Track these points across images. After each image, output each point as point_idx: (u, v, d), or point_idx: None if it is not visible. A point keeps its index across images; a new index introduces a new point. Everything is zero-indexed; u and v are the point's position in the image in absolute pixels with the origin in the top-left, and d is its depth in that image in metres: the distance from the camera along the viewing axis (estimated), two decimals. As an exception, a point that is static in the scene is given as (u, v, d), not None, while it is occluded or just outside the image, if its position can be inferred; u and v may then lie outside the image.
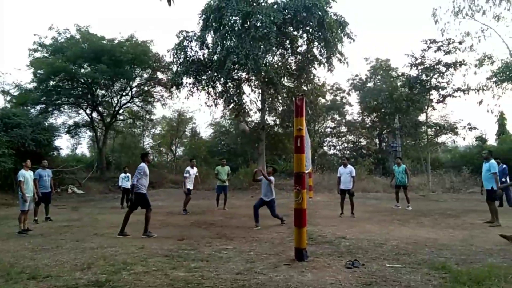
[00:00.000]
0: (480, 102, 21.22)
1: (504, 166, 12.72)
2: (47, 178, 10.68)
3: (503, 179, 12.08)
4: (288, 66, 23.21)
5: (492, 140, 28.70)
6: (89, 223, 10.01)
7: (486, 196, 9.16)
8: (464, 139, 23.51)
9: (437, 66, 20.57)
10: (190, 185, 12.40)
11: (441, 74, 20.70)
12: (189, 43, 21.14)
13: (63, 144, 53.71)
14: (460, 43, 20.66)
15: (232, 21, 20.04)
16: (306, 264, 5.29)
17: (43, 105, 23.91)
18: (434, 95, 21.52)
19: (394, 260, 5.51)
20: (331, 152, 33.05)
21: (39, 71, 22.77)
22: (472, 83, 22.79)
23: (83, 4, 71.16)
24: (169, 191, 20.01)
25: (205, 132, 36.93)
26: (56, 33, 23.94)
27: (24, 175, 8.67)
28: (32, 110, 22.99)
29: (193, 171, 12.65)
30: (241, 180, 21.36)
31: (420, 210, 12.02)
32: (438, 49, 20.41)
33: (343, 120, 32.32)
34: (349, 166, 11.13)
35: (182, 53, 21.01)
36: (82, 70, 23.39)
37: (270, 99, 23.38)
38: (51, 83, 23.36)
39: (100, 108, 26.56)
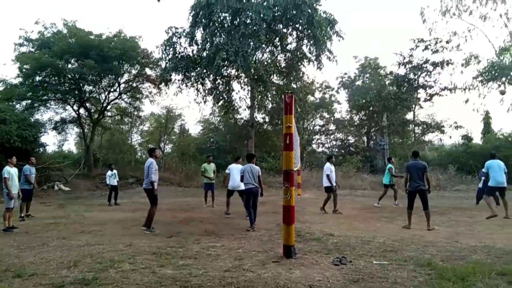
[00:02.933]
0: (466, 101, 21.63)
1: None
2: (33, 175, 10.62)
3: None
4: (277, 64, 23.25)
5: (477, 139, 29.16)
6: (76, 221, 9.89)
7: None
8: (450, 137, 24.01)
9: (425, 65, 20.86)
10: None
11: (429, 73, 21.01)
12: (178, 39, 20.97)
13: (50, 140, 53.11)
14: (447, 42, 20.98)
15: (221, 18, 19.98)
16: (294, 261, 5.32)
17: (29, 101, 23.44)
18: (422, 93, 21.89)
19: (381, 257, 5.58)
20: (320, 149, 33.28)
21: (25, 66, 22.32)
22: (459, 82, 23.16)
23: (70, -2, 70.10)
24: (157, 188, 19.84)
25: (194, 129, 36.90)
26: (42, 28, 23.49)
27: (9, 171, 8.53)
28: (17, 106, 22.53)
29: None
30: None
31: (406, 207, 12.12)
32: (426, 48, 20.69)
33: (332, 118, 32.53)
34: None
35: (171, 49, 20.85)
36: (69, 66, 23.00)
37: (260, 96, 23.39)
38: (37, 78, 22.90)
39: (87, 104, 26.18)
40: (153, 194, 8.20)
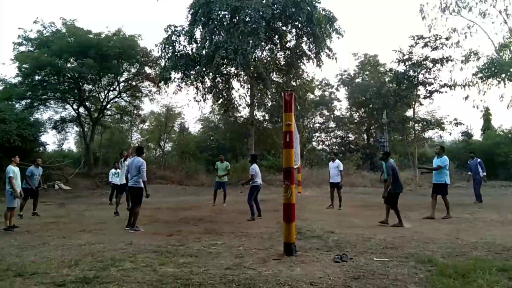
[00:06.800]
0: (466, 98, 21.53)
1: (479, 160, 13.28)
2: (38, 176, 10.69)
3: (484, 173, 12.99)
4: (277, 62, 23.23)
5: (477, 135, 29.17)
6: (76, 220, 9.90)
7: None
8: (450, 134, 23.90)
9: (424, 62, 20.77)
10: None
11: (428, 70, 20.91)
12: (178, 38, 20.97)
13: (49, 139, 53.01)
14: (447, 39, 20.90)
15: (220, 16, 19.95)
16: (295, 258, 5.32)
17: (29, 100, 23.43)
18: (421, 90, 21.76)
19: (382, 254, 5.57)
20: (320, 147, 33.29)
21: (24, 65, 22.27)
22: (458, 79, 23.03)
23: (69, -3, 69.96)
24: (156, 187, 19.85)
25: (194, 128, 36.62)
26: (41, 27, 23.44)
27: (14, 171, 8.57)
28: (17, 105, 22.47)
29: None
30: (230, 176, 21.29)
31: (407, 204, 12.12)
32: (425, 45, 20.61)
33: (332, 116, 32.52)
34: (336, 160, 11.53)
35: (170, 47, 20.83)
36: (69, 65, 22.96)
37: (259, 94, 23.38)
38: (37, 77, 22.89)
39: (87, 103, 26.14)
40: (141, 194, 8.22)
